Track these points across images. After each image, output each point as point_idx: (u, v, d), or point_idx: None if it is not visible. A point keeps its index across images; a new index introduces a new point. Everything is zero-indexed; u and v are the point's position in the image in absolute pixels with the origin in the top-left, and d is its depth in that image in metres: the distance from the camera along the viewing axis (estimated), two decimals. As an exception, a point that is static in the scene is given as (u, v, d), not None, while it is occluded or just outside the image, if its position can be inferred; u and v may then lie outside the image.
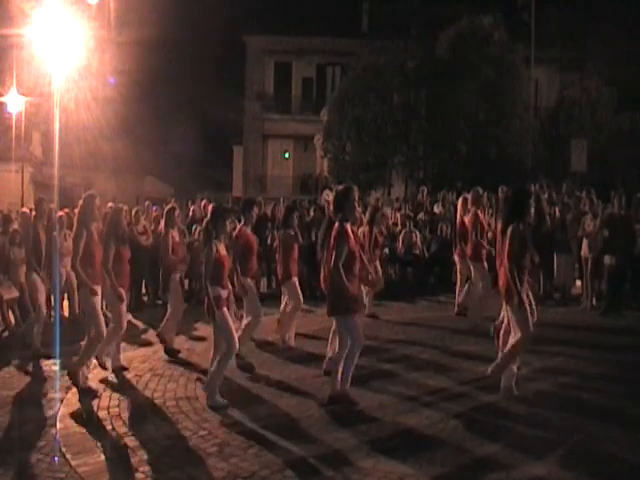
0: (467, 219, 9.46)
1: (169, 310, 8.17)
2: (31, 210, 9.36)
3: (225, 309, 5.94)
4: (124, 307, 7.17)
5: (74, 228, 6.78)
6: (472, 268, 9.35)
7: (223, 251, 6.10)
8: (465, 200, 9.80)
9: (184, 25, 35.35)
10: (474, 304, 9.24)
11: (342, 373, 5.86)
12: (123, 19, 23.97)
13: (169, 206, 9.17)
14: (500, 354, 6.20)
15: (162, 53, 27.94)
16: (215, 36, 42.14)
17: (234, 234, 7.62)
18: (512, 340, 6.01)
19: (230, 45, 38.82)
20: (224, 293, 5.97)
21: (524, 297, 5.87)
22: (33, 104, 23.06)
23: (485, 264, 9.15)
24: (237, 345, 6.04)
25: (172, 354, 7.83)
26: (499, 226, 6.49)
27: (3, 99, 22.35)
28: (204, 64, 39.79)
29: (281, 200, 15.72)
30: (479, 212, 9.37)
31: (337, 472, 4.56)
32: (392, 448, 4.94)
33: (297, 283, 8.28)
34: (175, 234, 8.43)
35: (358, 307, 5.96)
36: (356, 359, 5.91)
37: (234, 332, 5.98)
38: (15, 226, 9.95)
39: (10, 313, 9.39)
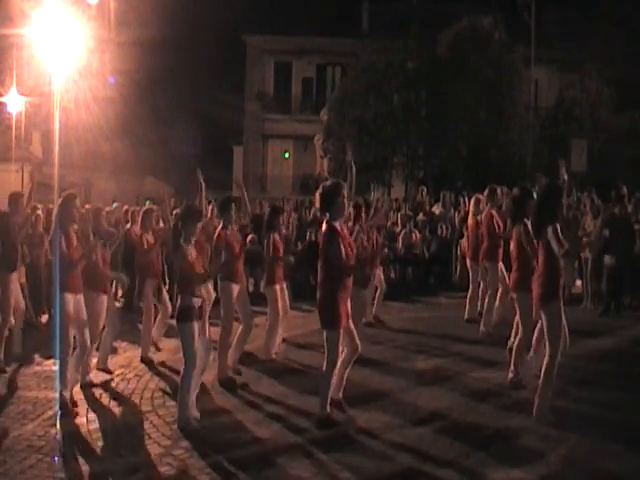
0: (482, 219, 8.91)
1: (142, 325, 7.79)
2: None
3: (193, 323, 5.41)
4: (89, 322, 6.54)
5: (50, 231, 6.27)
6: (488, 269, 8.79)
7: (193, 255, 5.57)
8: (478, 200, 9.30)
9: (184, 25, 35.25)
10: (488, 311, 8.68)
11: (319, 394, 5.43)
12: (123, 19, 23.92)
13: (145, 208, 8.79)
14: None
15: (162, 53, 27.88)
16: (215, 36, 42.12)
17: (214, 237, 7.00)
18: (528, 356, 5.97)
19: (230, 45, 38.79)
20: (196, 302, 5.47)
21: (561, 304, 5.44)
22: (33, 104, 23.03)
23: (501, 265, 8.58)
24: (195, 364, 5.44)
25: (149, 362, 7.51)
26: (516, 228, 6.34)
27: (3, 99, 22.33)
28: (204, 64, 39.70)
29: (281, 200, 15.76)
30: (494, 211, 8.80)
31: None
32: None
33: (278, 292, 7.58)
34: (150, 238, 7.97)
35: (345, 322, 5.40)
36: (331, 381, 5.43)
37: (195, 350, 5.43)
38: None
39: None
